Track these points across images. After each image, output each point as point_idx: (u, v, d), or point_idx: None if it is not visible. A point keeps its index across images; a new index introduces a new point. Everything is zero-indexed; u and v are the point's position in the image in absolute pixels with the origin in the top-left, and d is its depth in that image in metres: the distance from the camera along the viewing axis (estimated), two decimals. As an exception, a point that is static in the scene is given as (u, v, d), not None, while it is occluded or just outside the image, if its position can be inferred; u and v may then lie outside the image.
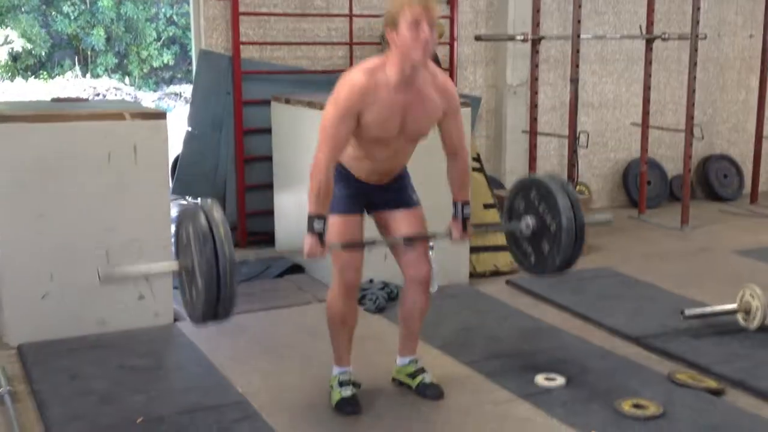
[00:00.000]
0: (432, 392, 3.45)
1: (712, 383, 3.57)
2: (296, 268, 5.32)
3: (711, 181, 7.85)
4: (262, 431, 3.17)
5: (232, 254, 2.75)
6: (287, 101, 5.37)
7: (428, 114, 3.18)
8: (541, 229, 3.41)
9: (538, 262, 3.48)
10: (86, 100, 5.65)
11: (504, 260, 5.37)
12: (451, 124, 3.26)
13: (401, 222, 3.34)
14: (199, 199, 2.83)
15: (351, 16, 6.20)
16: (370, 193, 3.32)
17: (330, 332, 3.39)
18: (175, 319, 4.37)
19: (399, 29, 3.00)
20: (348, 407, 3.31)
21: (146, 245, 4.22)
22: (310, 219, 3.04)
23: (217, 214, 2.82)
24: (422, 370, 3.51)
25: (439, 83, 3.18)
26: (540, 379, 3.60)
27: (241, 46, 5.84)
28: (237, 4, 5.79)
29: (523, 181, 3.57)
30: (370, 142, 3.15)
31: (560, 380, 3.58)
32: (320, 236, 3.04)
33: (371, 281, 4.70)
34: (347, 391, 3.35)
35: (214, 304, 2.77)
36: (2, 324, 4.11)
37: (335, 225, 3.20)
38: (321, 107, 4.92)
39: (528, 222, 3.44)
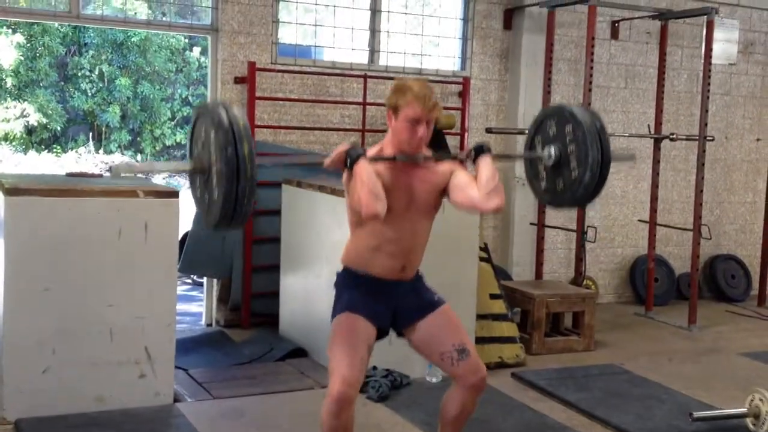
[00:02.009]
0: None
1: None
2: (299, 352, 5.27)
3: (718, 281, 7.83)
4: None
5: (254, 172, 2.83)
6: (299, 184, 5.42)
7: (435, 181, 3.16)
8: (562, 166, 3.31)
9: (548, 192, 3.43)
10: (100, 175, 5.69)
11: (509, 352, 5.32)
12: (461, 175, 3.16)
13: (439, 330, 3.20)
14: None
15: (364, 104, 6.31)
16: (391, 296, 3.19)
17: None
18: (176, 400, 4.32)
19: (398, 118, 3.07)
20: None
21: (150, 323, 4.20)
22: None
23: (241, 120, 2.84)
24: None
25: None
26: (545, 478, 3.51)
27: (256, 129, 5.94)
28: (254, 89, 5.90)
29: (562, 112, 3.40)
30: (385, 221, 3.04)
31: (565, 480, 3.50)
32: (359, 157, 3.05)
33: (375, 368, 4.65)
34: None
35: (229, 220, 2.82)
36: (1, 397, 4.05)
37: (342, 322, 3.10)
38: (332, 191, 5.00)
39: (551, 152, 3.35)
